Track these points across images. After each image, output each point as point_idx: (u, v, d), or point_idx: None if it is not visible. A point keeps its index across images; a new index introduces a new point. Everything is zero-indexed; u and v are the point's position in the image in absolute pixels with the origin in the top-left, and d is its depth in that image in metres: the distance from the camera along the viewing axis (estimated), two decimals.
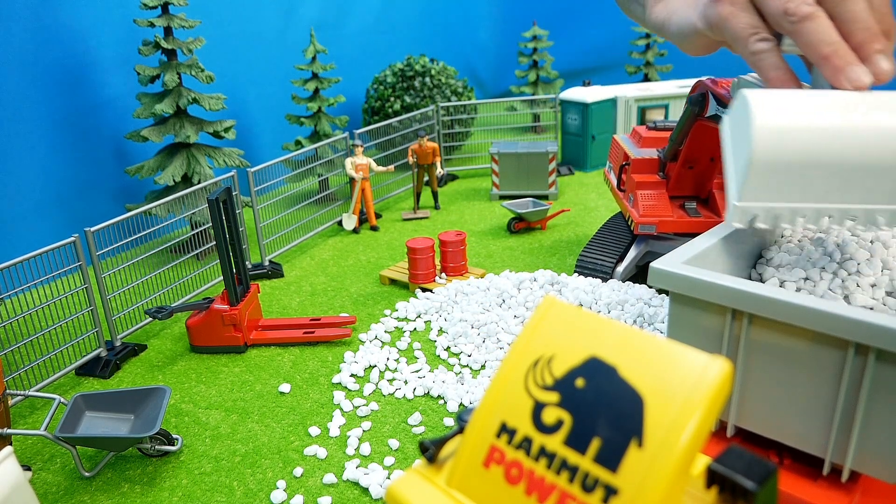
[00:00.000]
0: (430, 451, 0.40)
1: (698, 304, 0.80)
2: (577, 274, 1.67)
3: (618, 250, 1.63)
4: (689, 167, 1.52)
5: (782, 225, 0.59)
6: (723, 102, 1.22)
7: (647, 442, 0.33)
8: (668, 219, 1.51)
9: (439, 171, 2.27)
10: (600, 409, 0.34)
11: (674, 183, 1.57)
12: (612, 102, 2.76)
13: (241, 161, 2.09)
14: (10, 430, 1.08)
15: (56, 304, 1.39)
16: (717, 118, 1.24)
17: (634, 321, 1.44)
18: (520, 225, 2.10)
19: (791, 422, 0.77)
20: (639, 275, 1.65)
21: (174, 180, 1.93)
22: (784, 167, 0.57)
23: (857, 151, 0.55)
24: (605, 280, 1.62)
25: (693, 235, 1.57)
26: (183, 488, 1.08)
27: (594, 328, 0.37)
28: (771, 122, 0.56)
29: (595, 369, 0.36)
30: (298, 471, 1.09)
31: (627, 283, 1.61)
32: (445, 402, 1.25)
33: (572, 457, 0.34)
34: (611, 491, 0.33)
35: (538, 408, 0.36)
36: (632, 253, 1.63)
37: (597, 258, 1.64)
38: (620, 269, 1.61)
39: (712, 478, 0.34)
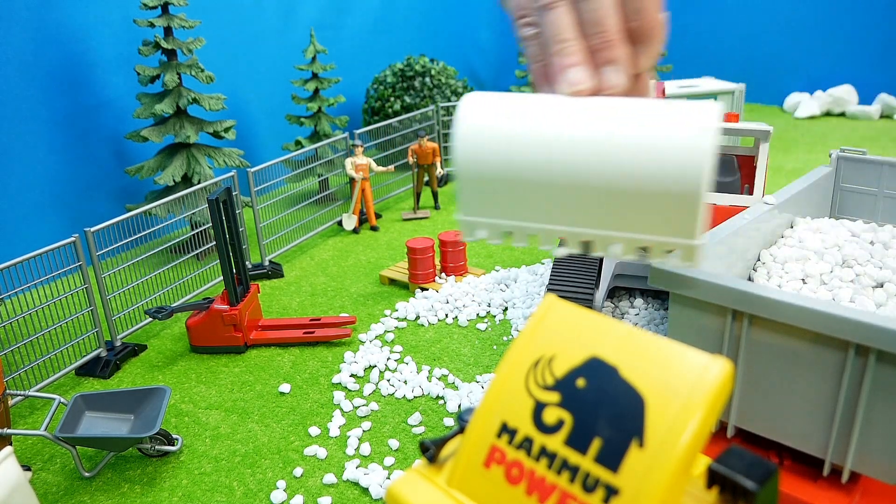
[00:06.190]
0: (431, 451, 0.40)
1: (699, 305, 0.80)
2: None
3: (591, 277, 1.39)
4: None
5: (516, 244, 0.49)
6: None
7: (647, 442, 0.32)
8: None
9: (439, 171, 2.27)
10: (601, 409, 0.34)
11: None
12: None
13: (241, 161, 2.09)
14: (10, 430, 1.08)
15: (56, 305, 1.39)
16: None
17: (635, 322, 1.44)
18: None
19: (791, 422, 0.77)
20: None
21: (174, 180, 1.93)
22: (493, 180, 0.47)
23: (572, 167, 0.44)
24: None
25: None
26: (183, 488, 1.08)
27: (595, 328, 0.37)
28: (476, 130, 0.47)
29: (596, 369, 0.36)
30: (298, 471, 1.09)
31: None
32: (445, 402, 1.25)
33: (573, 457, 0.34)
34: (611, 491, 0.33)
35: (539, 408, 0.36)
36: (605, 276, 1.44)
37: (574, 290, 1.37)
38: (598, 295, 1.40)
39: (713, 478, 0.34)
